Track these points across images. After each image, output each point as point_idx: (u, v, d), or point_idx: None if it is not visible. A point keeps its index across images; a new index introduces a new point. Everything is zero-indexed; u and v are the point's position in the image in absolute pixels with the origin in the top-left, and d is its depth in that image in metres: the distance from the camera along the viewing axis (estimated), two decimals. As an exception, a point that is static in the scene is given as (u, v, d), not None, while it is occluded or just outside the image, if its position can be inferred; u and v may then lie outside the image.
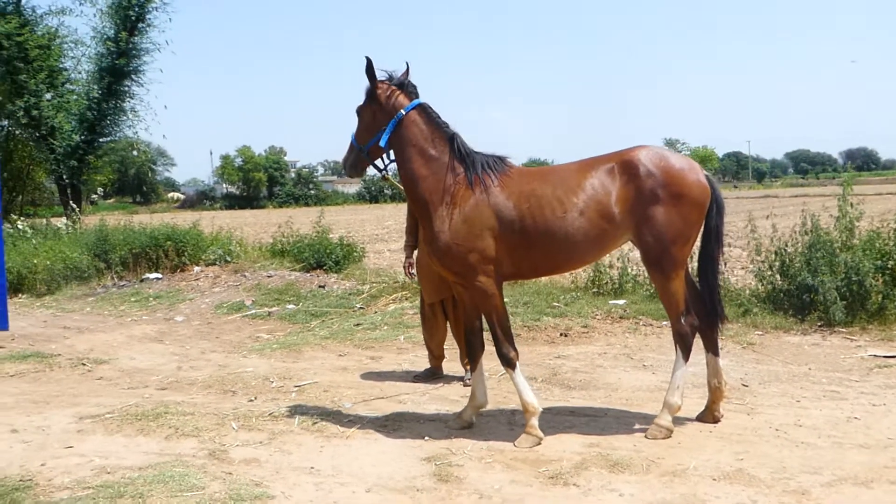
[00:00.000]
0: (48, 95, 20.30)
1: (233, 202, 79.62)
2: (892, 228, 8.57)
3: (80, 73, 22.13)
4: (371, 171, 5.44)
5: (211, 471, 4.56)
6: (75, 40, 21.84)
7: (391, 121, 5.07)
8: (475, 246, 4.89)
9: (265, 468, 4.63)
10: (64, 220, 18.36)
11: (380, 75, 5.12)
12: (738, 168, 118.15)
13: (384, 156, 5.28)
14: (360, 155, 5.23)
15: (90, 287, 13.41)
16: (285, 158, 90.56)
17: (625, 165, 4.88)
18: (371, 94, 5.11)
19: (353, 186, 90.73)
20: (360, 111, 5.19)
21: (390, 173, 5.48)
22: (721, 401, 5.26)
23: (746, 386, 6.21)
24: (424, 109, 5.13)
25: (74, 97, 21.23)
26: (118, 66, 20.28)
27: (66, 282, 13.52)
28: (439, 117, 5.16)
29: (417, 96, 5.17)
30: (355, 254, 13.87)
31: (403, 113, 5.06)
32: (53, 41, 21.10)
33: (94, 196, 21.35)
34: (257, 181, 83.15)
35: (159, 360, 8.12)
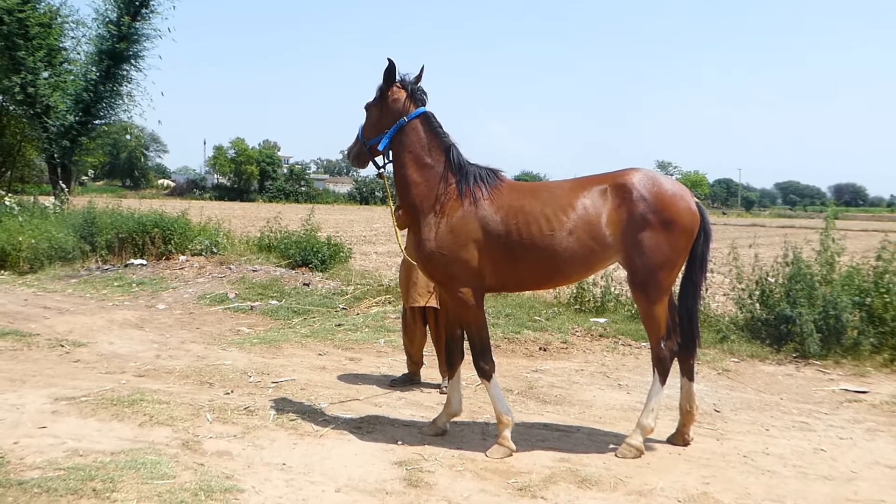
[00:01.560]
0: (45, 74, 20.20)
1: (223, 193, 79.43)
2: (871, 266, 8.69)
3: (79, 53, 22.08)
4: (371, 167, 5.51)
5: (183, 461, 4.58)
6: (77, 21, 21.80)
7: (394, 125, 5.14)
8: (459, 256, 4.94)
9: (237, 461, 4.66)
10: (52, 199, 18.28)
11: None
12: (727, 195, 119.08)
13: (384, 155, 5.36)
14: (363, 148, 5.32)
15: (74, 268, 13.36)
16: (278, 153, 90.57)
17: (618, 188, 4.93)
18: (382, 94, 5.18)
19: (344, 186, 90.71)
20: (369, 108, 5.27)
21: (387, 173, 5.52)
22: (692, 424, 5.34)
23: (718, 412, 6.30)
24: (428, 118, 5.18)
25: (72, 77, 21.15)
26: (118, 50, 20.23)
27: (50, 261, 13.47)
28: (440, 127, 5.22)
29: (425, 104, 5.23)
30: (342, 254, 13.92)
31: (406, 120, 5.13)
32: (55, 20, 21.02)
33: (83, 177, 21.23)
34: (249, 174, 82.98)
35: (138, 346, 8.11)
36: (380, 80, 5.19)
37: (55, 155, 20.38)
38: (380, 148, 5.20)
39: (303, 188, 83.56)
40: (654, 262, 4.85)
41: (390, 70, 5.11)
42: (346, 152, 5.53)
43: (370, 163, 5.41)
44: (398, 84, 5.18)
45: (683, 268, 5.26)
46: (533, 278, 5.10)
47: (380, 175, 5.47)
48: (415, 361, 6.93)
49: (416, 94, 5.18)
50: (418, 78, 5.23)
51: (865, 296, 8.31)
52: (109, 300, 11.03)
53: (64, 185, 18.86)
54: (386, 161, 5.35)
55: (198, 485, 4.18)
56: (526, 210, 4.92)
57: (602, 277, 10.28)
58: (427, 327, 6.85)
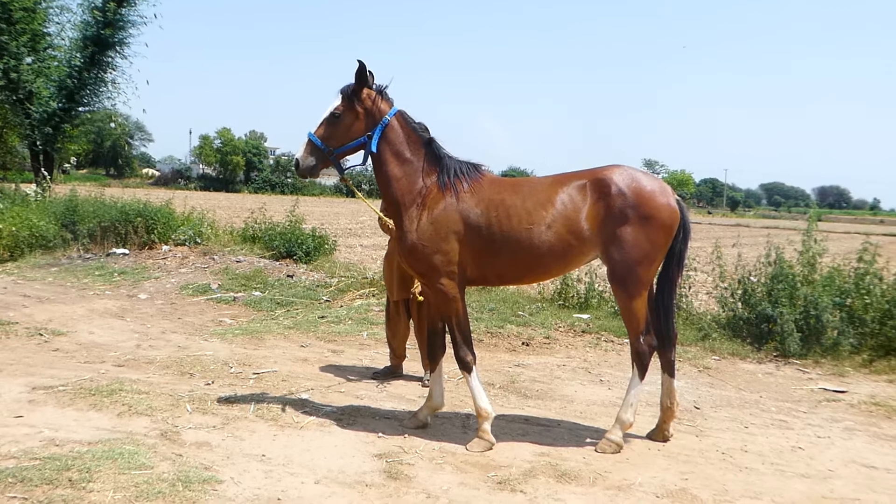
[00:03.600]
0: (29, 59, 19.91)
1: (208, 183, 78.73)
2: (852, 267, 8.77)
3: (63, 39, 21.72)
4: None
5: (161, 451, 4.55)
6: (61, 6, 21.44)
7: (377, 126, 5.08)
8: (440, 248, 4.95)
9: (216, 452, 4.63)
10: (34, 186, 18.05)
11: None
12: (713, 195, 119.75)
13: (343, 159, 5.20)
14: (324, 157, 5.09)
15: (55, 257, 13.22)
16: (265, 144, 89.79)
17: (597, 184, 4.96)
18: (358, 98, 5.05)
19: (331, 179, 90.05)
20: (341, 114, 5.05)
21: (348, 176, 5.40)
22: (672, 421, 5.36)
23: (698, 408, 6.33)
24: (403, 115, 5.19)
25: (55, 63, 20.85)
26: (103, 37, 19.96)
27: (31, 249, 13.31)
28: (415, 122, 5.23)
29: (392, 102, 5.20)
30: (326, 246, 13.86)
31: (389, 118, 5.10)
32: (39, 5, 20.68)
33: (66, 165, 20.93)
34: (235, 164, 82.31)
35: (119, 336, 8.04)
36: (341, 84, 5.07)
37: (37, 142, 20.09)
38: (374, 150, 5.10)
39: (289, 180, 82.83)
40: (633, 258, 4.87)
41: (363, 72, 5.00)
42: (297, 164, 5.09)
43: (321, 172, 5.21)
44: (368, 86, 5.10)
45: (661, 265, 5.27)
46: (513, 271, 5.12)
47: (342, 179, 5.39)
48: (397, 355, 6.92)
49: (385, 94, 5.15)
50: (373, 77, 5.13)
51: (846, 297, 8.38)
52: (90, 289, 10.93)
53: (46, 173, 18.63)
54: (347, 166, 5.24)
55: (176, 475, 4.15)
56: (506, 204, 4.95)
57: (586, 274, 10.32)
58: (410, 320, 6.83)
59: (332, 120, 5.07)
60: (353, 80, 5.08)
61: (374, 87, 5.11)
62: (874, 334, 8.14)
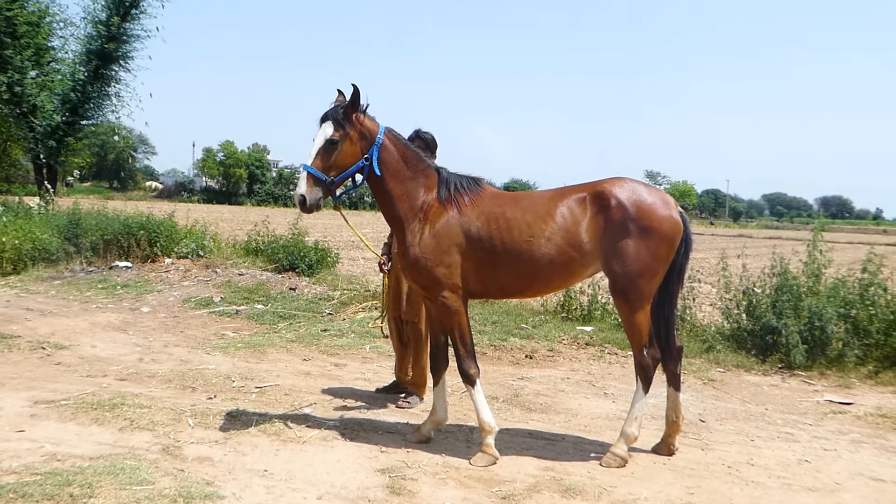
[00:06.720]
0: (33, 73, 20.06)
1: (211, 196, 78.93)
2: (857, 278, 8.73)
3: (67, 53, 21.95)
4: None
5: (163, 466, 4.52)
6: (65, 20, 21.70)
7: (373, 147, 5.04)
8: (442, 260, 4.95)
9: (218, 468, 4.60)
10: (37, 199, 18.11)
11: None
12: (715, 205, 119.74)
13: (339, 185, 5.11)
14: (327, 187, 4.99)
15: (57, 270, 13.22)
16: (268, 157, 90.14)
17: (596, 196, 4.96)
18: (350, 122, 4.98)
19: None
20: (340, 141, 4.93)
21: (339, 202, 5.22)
22: (677, 434, 5.32)
23: (704, 422, 6.29)
24: (392, 132, 5.17)
25: (59, 77, 21.00)
26: (107, 50, 20.09)
27: (34, 263, 13.32)
28: (403, 137, 5.24)
29: (375, 119, 5.15)
30: (329, 259, 13.84)
31: (381, 138, 5.07)
32: (43, 19, 20.89)
33: (69, 178, 21.00)
34: (238, 177, 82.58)
35: (121, 349, 8.02)
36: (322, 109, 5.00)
37: (41, 155, 20.20)
38: (377, 172, 5.04)
39: (292, 192, 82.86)
40: (634, 270, 4.85)
41: (357, 96, 4.95)
42: (303, 200, 4.93)
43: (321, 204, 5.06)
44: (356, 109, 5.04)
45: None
46: (515, 284, 5.10)
47: (336, 207, 5.24)
48: (398, 375, 6.74)
49: (367, 113, 5.09)
50: (358, 98, 5.02)
51: (851, 308, 8.34)
52: (93, 302, 10.92)
53: (49, 186, 18.69)
54: (341, 192, 5.16)
55: (177, 491, 4.12)
56: (507, 216, 4.97)
57: (589, 286, 10.28)
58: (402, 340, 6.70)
59: (328, 148, 4.94)
60: (331, 105, 5.01)
61: (357, 107, 5.03)
62: (879, 345, 8.09)
